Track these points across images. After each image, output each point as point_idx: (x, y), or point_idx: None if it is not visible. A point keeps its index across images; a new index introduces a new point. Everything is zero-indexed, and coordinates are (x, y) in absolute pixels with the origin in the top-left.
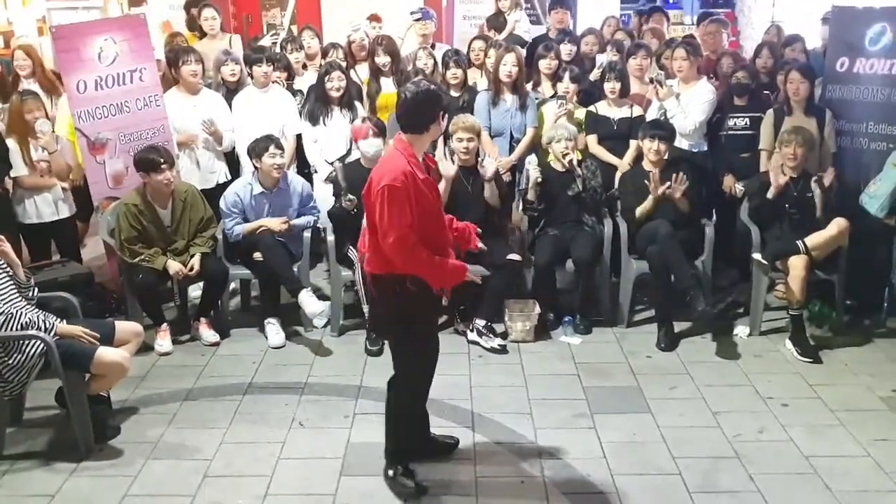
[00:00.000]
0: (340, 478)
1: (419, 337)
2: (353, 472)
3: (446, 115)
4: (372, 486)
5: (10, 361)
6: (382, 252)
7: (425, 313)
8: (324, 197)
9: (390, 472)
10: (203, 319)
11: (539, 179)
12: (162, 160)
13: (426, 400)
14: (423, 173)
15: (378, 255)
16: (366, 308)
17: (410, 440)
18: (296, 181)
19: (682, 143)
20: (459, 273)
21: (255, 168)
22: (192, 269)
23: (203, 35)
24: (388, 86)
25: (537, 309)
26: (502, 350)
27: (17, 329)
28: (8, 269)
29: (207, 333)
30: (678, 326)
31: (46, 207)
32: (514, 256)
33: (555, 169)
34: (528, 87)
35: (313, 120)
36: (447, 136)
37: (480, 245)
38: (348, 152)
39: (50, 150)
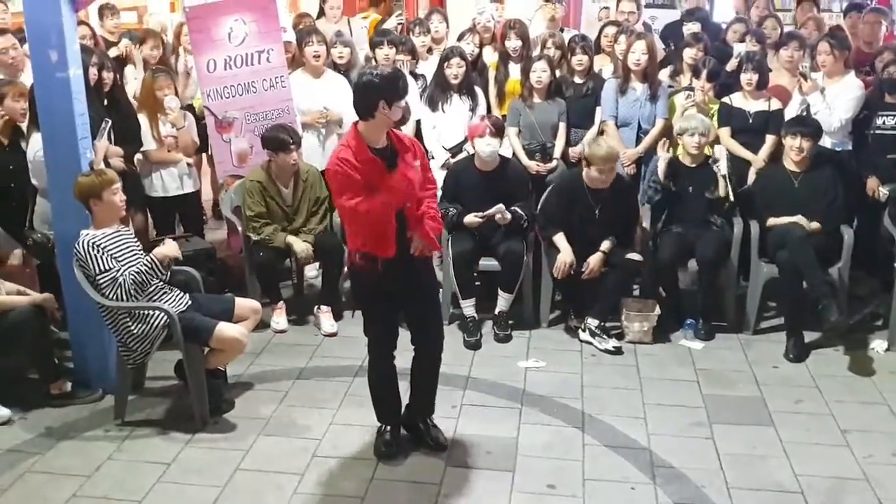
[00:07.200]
0: (446, 468)
1: (365, 310)
2: (458, 463)
3: (397, 102)
4: (476, 477)
5: (135, 331)
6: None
7: (367, 289)
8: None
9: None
10: (324, 308)
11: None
12: (291, 140)
13: (392, 382)
14: (365, 153)
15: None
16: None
17: (384, 412)
18: None
19: (825, 140)
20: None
21: None
22: (306, 257)
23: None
24: (516, 72)
25: (657, 310)
26: (616, 352)
27: (143, 299)
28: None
29: (326, 323)
30: (809, 337)
31: (172, 182)
32: (635, 256)
33: (684, 163)
34: (666, 74)
35: (432, 105)
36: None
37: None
38: (465, 139)
39: (178, 125)
